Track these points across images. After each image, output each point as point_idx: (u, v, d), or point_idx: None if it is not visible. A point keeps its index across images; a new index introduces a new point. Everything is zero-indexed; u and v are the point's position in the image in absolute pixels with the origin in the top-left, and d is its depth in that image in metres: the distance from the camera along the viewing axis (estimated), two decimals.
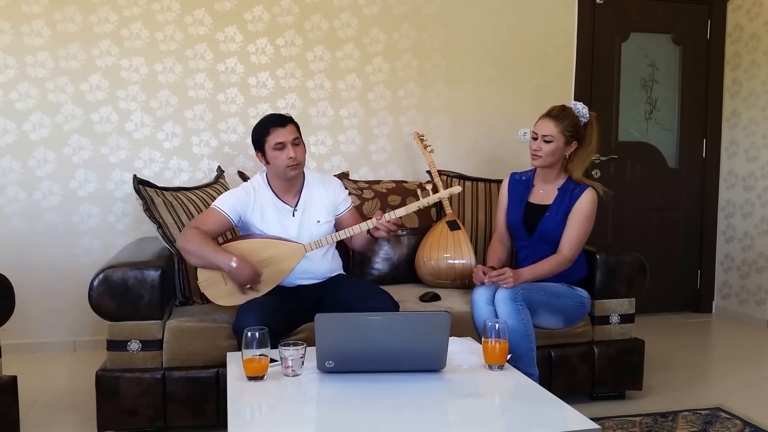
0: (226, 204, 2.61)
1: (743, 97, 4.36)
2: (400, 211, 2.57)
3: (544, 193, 2.82)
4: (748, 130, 4.32)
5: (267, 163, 2.61)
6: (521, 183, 2.91)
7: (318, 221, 2.67)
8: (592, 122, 2.77)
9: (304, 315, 2.55)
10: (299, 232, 2.64)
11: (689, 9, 4.42)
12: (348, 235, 2.61)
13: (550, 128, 2.71)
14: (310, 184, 2.72)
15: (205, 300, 2.78)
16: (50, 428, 2.63)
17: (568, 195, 2.74)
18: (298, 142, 2.59)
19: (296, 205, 2.66)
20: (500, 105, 4.07)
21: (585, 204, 2.71)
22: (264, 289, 2.55)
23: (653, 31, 4.38)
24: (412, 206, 2.61)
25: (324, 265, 2.72)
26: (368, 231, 2.58)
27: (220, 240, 2.69)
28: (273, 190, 2.66)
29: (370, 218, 2.56)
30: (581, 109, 2.76)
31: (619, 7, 4.28)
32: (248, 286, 2.51)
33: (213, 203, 2.65)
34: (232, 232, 2.82)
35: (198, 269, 2.55)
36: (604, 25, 4.25)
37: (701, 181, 4.53)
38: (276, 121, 2.58)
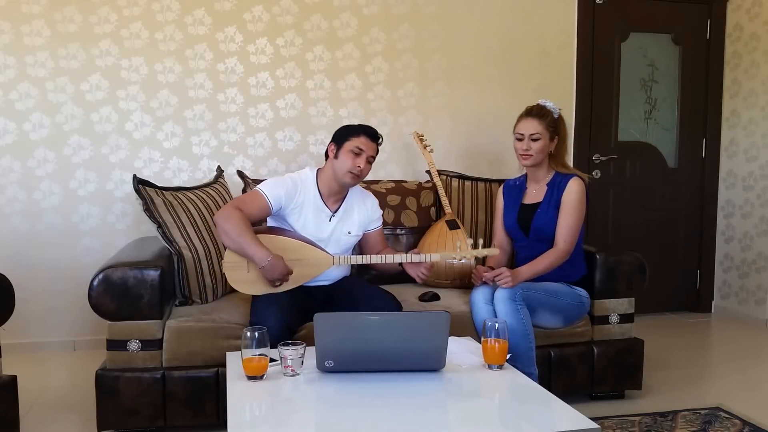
0: (273, 192, 2.59)
1: (743, 97, 4.36)
2: (435, 257, 2.60)
3: (536, 192, 2.87)
4: (748, 130, 4.33)
5: (335, 158, 2.62)
6: (515, 188, 2.95)
7: (349, 232, 2.71)
8: (561, 117, 2.84)
9: (310, 314, 2.55)
10: (330, 237, 2.67)
11: (689, 9, 4.42)
12: (379, 262, 2.63)
13: (535, 126, 2.75)
14: (353, 195, 2.76)
15: (204, 300, 2.79)
16: (50, 428, 2.63)
17: (555, 188, 2.79)
18: (372, 160, 2.64)
19: (336, 211, 2.69)
20: (500, 105, 4.07)
21: (572, 194, 2.74)
22: (286, 287, 2.56)
23: (653, 30, 4.39)
24: (447, 256, 2.61)
25: (339, 270, 2.75)
26: (401, 264, 2.64)
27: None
28: (319, 190, 2.68)
29: (399, 252, 2.63)
30: (552, 105, 2.82)
31: (618, 7, 4.28)
32: (279, 281, 2.51)
33: (259, 186, 2.62)
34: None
35: (227, 249, 2.54)
36: (604, 25, 4.25)
37: (701, 181, 4.53)
38: (370, 131, 2.64)
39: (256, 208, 2.57)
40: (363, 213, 2.77)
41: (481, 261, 3.12)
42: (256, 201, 2.58)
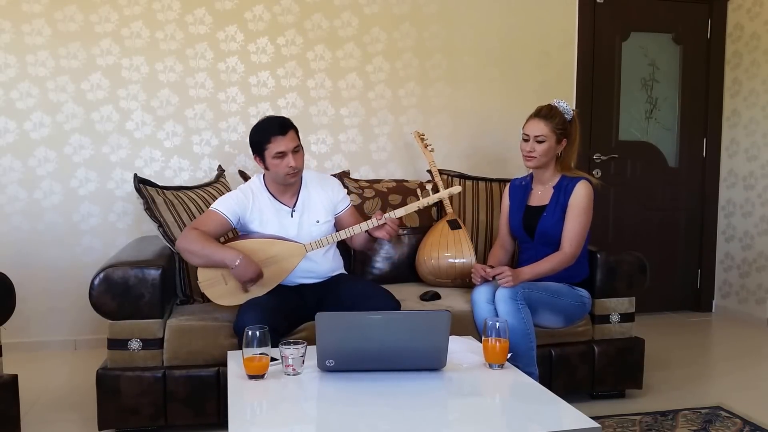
0: (225, 206, 2.61)
1: (743, 96, 4.36)
2: (400, 212, 2.58)
3: (541, 194, 2.83)
4: (749, 130, 4.32)
5: (266, 168, 2.61)
6: (521, 188, 2.92)
7: (317, 221, 2.68)
8: (575, 119, 2.80)
9: (306, 314, 2.55)
10: (298, 232, 2.65)
11: (690, 8, 4.42)
12: (348, 236, 2.62)
13: (541, 128, 2.72)
14: (308, 184, 2.72)
15: (205, 299, 2.79)
16: (51, 427, 2.63)
17: (562, 192, 2.75)
18: (298, 149, 2.57)
19: (294, 206, 2.67)
20: (501, 104, 4.07)
21: (579, 198, 2.71)
22: (265, 288, 2.55)
23: (654, 30, 4.38)
24: (412, 206, 2.61)
25: (326, 264, 2.72)
26: (368, 231, 2.58)
27: (221, 240, 2.70)
28: (270, 192, 2.67)
29: (371, 218, 2.57)
30: (566, 106, 2.78)
31: (619, 7, 4.28)
32: (251, 284, 2.51)
33: (212, 205, 2.65)
34: (232, 233, 2.82)
35: (198, 269, 2.55)
36: (604, 24, 4.25)
37: (701, 180, 4.53)
38: (276, 128, 2.54)
39: (214, 224, 2.57)
40: (325, 198, 2.72)
41: (481, 259, 3.12)
42: (211, 218, 2.59)
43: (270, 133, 2.54)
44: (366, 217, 2.61)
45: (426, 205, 2.63)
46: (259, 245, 2.56)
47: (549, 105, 2.77)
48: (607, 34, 4.28)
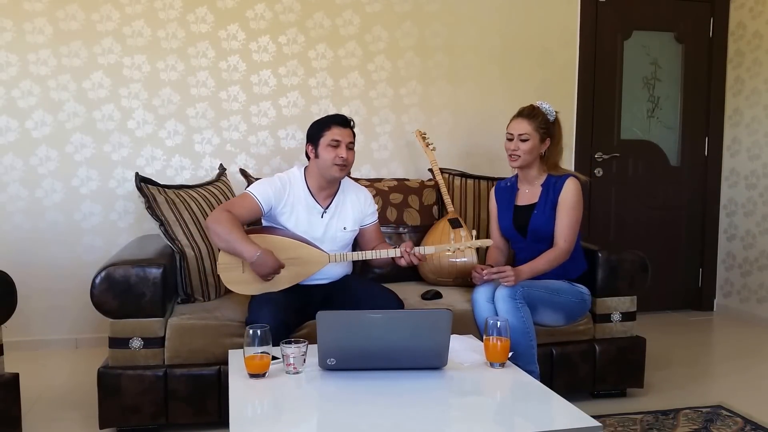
0: (262, 193, 2.61)
1: (745, 95, 4.35)
2: (429, 249, 2.61)
3: (529, 193, 2.86)
4: (751, 129, 4.32)
5: (316, 157, 2.62)
6: (507, 189, 2.96)
7: (344, 228, 2.70)
8: (557, 119, 2.84)
9: (311, 312, 2.55)
10: (324, 234, 2.66)
11: (692, 7, 4.41)
12: (374, 257, 2.64)
13: (524, 127, 2.77)
14: (345, 190, 2.75)
15: (207, 297, 2.79)
16: (52, 425, 2.63)
17: (551, 189, 2.79)
18: (352, 146, 2.63)
19: (327, 207, 2.68)
20: (503, 103, 4.06)
21: (569, 194, 2.75)
22: (281, 286, 2.56)
23: (656, 29, 4.38)
24: (442, 247, 2.63)
25: (339, 269, 2.75)
26: (392, 258, 2.63)
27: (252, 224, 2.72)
28: (308, 187, 2.67)
29: (395, 246, 2.64)
30: (548, 107, 2.82)
31: (621, 5, 4.27)
32: (270, 276, 2.51)
33: (248, 188, 2.66)
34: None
35: (220, 252, 2.56)
36: (606, 23, 4.25)
37: (703, 179, 4.53)
38: (338, 119, 2.63)
39: (246, 210, 2.58)
40: (357, 207, 2.75)
41: (482, 259, 3.12)
42: (245, 202, 2.59)
43: (332, 121, 2.62)
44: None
45: (457, 249, 2.63)
46: (285, 244, 2.57)
47: (531, 105, 2.83)
48: (609, 32, 4.27)
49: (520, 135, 2.76)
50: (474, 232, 2.75)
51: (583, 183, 2.82)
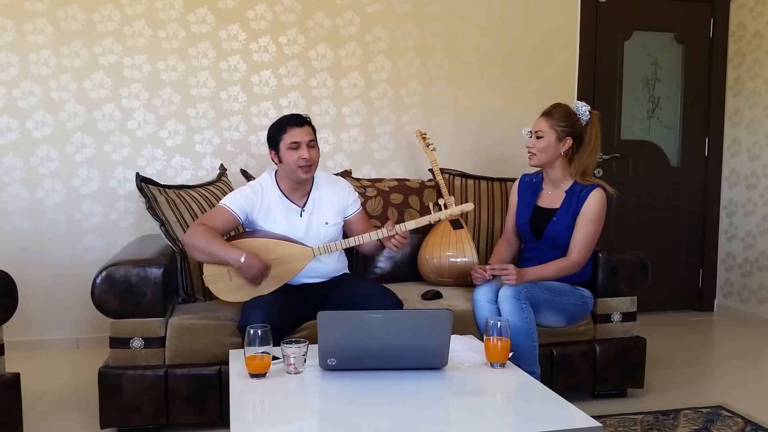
0: (234, 202, 2.61)
1: (746, 95, 4.35)
2: (410, 224, 2.59)
3: (552, 197, 2.80)
4: (751, 129, 4.32)
5: (279, 161, 2.61)
6: (531, 185, 2.89)
7: (326, 223, 2.68)
8: (593, 121, 2.74)
9: (308, 312, 2.55)
10: (306, 232, 2.65)
11: (692, 7, 4.41)
12: (357, 243, 2.63)
13: (540, 123, 2.73)
14: (319, 185, 2.72)
15: (207, 297, 2.79)
16: (53, 425, 2.63)
17: (575, 198, 2.71)
18: (313, 144, 2.60)
19: (304, 206, 2.67)
20: (503, 103, 4.07)
21: (593, 205, 2.68)
22: (270, 288, 2.55)
23: (656, 29, 4.38)
24: (422, 220, 2.62)
25: (331, 265, 2.73)
26: (378, 239, 2.60)
27: (232, 234, 2.70)
28: (281, 190, 2.66)
29: (379, 227, 2.59)
30: (581, 107, 2.74)
31: (621, 6, 4.27)
32: (259, 279, 2.51)
33: (221, 201, 2.65)
34: (237, 229, 2.82)
35: (204, 264, 2.56)
36: (606, 23, 4.25)
37: (703, 179, 4.53)
38: (293, 120, 2.59)
39: (222, 220, 2.58)
40: (335, 200, 2.72)
41: (483, 260, 3.12)
42: (219, 214, 2.59)
43: (287, 122, 2.59)
44: (370, 218, 2.61)
45: (437, 220, 2.63)
46: (267, 245, 2.56)
47: (556, 103, 2.77)
48: (609, 32, 4.27)
49: (536, 132, 2.72)
50: (452, 198, 2.67)
51: (610, 195, 2.72)
